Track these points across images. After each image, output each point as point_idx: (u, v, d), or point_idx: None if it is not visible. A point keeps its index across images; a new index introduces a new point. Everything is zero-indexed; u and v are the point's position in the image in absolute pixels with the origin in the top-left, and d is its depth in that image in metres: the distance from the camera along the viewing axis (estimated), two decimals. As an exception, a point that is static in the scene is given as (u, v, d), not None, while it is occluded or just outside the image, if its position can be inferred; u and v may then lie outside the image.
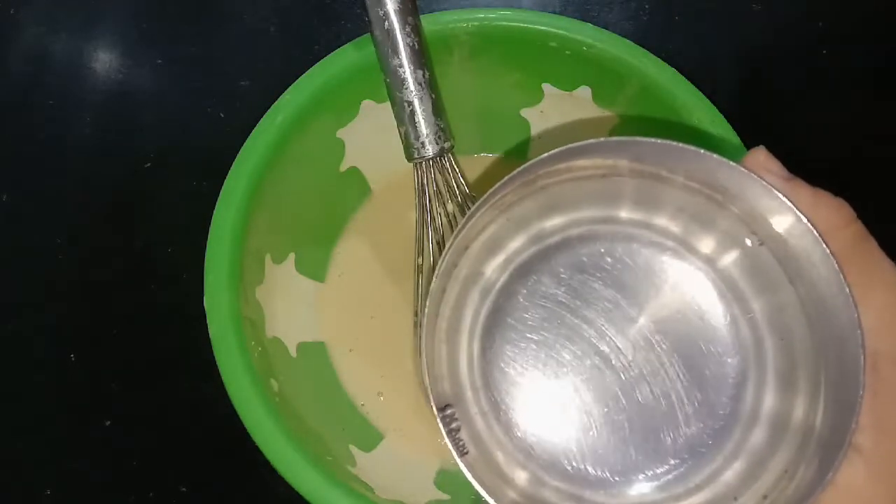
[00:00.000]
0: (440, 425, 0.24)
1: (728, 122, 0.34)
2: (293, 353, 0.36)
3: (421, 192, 0.35)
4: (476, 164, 0.42)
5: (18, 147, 0.44)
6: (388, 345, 0.38)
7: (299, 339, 0.37)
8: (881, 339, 0.22)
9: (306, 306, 0.39)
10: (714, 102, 0.35)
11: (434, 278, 0.25)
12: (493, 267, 0.28)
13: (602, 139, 0.23)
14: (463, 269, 0.27)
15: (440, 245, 0.35)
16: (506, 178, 0.24)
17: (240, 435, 0.30)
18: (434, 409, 0.24)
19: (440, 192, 0.35)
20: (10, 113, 0.45)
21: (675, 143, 0.23)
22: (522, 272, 0.28)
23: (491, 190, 0.24)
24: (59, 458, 0.38)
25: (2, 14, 0.47)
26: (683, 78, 0.35)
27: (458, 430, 0.25)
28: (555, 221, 0.28)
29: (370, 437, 0.36)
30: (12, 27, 0.47)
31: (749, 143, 0.34)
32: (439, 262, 0.25)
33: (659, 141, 0.23)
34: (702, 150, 0.23)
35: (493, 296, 0.28)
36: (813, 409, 0.24)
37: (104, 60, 0.46)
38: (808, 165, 0.25)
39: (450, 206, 0.36)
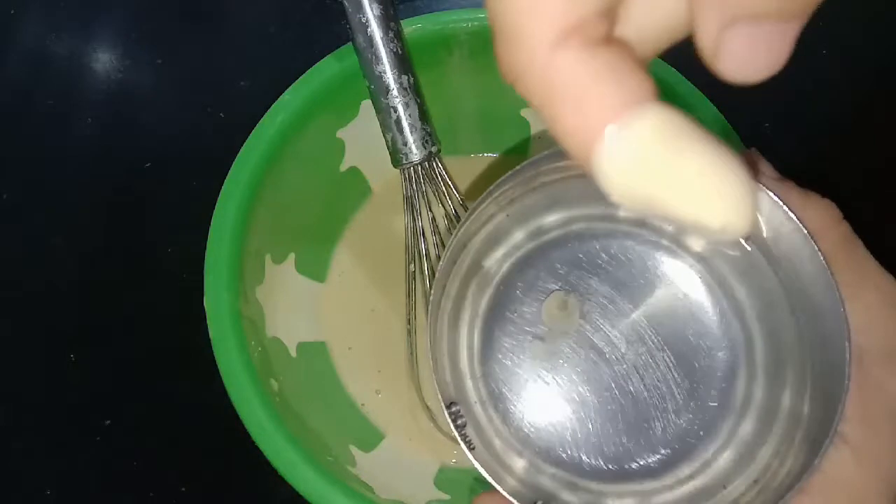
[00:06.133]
0: (448, 421, 0.25)
1: (726, 120, 0.35)
2: (293, 352, 0.36)
3: (409, 198, 0.34)
4: (476, 163, 0.42)
5: (18, 147, 0.44)
6: (388, 345, 0.38)
7: (299, 339, 0.37)
8: (867, 336, 0.23)
9: (306, 306, 0.39)
10: (712, 100, 0.35)
11: (436, 274, 0.26)
12: (492, 261, 0.28)
13: None
14: (463, 264, 0.27)
15: (430, 252, 0.35)
16: (507, 174, 0.24)
17: (240, 435, 0.30)
18: (442, 404, 0.25)
19: (428, 198, 0.35)
20: (11, 113, 0.45)
21: None
22: (521, 266, 0.28)
23: (492, 186, 0.25)
24: (59, 458, 0.38)
25: (2, 14, 0.47)
26: (682, 77, 0.36)
27: (464, 425, 0.26)
28: (554, 218, 0.28)
29: (370, 437, 0.36)
30: (12, 27, 0.47)
31: (746, 138, 0.34)
32: (442, 258, 0.26)
33: None
34: None
35: (493, 288, 0.28)
36: (800, 400, 0.25)
37: (104, 60, 0.46)
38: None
39: (439, 211, 0.36)
